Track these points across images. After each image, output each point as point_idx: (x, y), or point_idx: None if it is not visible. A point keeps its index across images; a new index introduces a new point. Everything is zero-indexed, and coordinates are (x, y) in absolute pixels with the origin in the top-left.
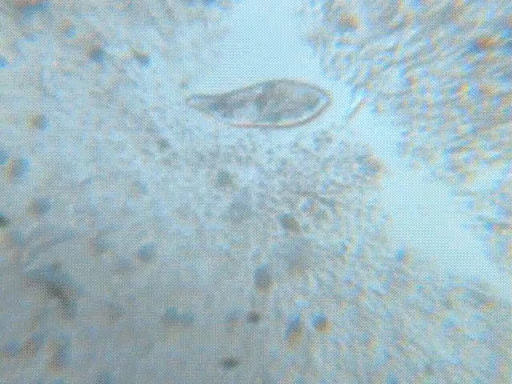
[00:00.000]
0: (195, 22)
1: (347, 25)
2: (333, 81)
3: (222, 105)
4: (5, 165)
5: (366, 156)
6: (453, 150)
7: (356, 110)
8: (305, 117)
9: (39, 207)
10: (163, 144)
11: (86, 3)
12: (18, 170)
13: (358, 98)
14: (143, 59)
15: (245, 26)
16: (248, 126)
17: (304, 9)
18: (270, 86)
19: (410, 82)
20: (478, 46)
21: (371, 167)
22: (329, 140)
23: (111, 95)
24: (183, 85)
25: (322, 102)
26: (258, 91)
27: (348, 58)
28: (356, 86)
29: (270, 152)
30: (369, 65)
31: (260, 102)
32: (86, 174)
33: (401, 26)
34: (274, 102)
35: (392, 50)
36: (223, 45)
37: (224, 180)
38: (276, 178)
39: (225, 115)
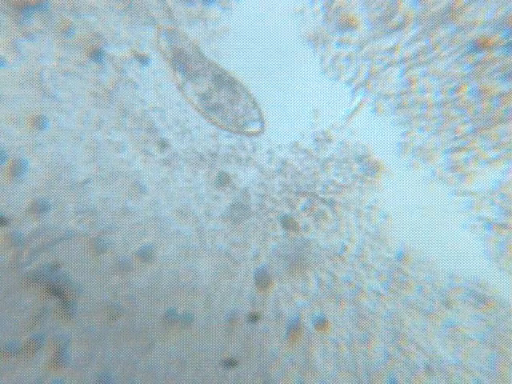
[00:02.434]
0: (195, 22)
1: (347, 25)
2: (333, 81)
3: (183, 67)
4: (5, 165)
5: (365, 156)
6: (453, 149)
7: (356, 109)
8: (233, 129)
9: (39, 207)
10: (163, 144)
11: (86, 3)
12: (17, 170)
13: (358, 98)
14: (143, 59)
15: (245, 25)
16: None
17: (304, 9)
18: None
19: (409, 81)
20: (478, 45)
21: (371, 167)
22: (329, 140)
23: (111, 95)
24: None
25: (254, 127)
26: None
27: (348, 58)
28: (356, 86)
29: (269, 152)
30: (369, 65)
31: (218, 80)
32: (86, 174)
33: (401, 25)
34: (228, 94)
35: (392, 50)
36: (223, 44)
37: (224, 180)
38: (276, 178)
39: (184, 75)
